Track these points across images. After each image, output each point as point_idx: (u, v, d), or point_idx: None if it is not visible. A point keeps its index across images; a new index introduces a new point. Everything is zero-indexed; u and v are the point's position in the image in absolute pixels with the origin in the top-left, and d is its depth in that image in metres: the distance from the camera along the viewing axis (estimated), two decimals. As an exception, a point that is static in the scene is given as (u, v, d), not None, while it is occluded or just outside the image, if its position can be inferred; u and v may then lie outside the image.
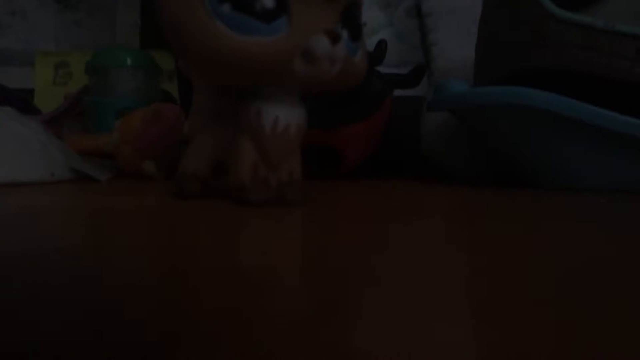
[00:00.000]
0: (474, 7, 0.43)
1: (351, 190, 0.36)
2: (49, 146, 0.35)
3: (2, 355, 0.07)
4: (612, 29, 0.35)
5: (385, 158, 0.50)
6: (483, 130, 0.41)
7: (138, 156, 0.38)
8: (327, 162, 0.44)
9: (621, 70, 0.35)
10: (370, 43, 0.42)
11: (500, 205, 0.28)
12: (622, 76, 0.35)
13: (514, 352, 0.07)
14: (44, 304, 0.09)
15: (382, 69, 0.45)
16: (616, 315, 0.09)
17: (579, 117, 0.35)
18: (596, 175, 0.37)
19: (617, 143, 0.35)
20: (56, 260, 0.13)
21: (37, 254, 0.13)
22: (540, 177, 0.39)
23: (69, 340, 0.08)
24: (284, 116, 0.24)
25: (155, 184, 0.36)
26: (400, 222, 0.21)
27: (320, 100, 0.37)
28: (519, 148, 0.39)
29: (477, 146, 0.45)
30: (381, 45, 0.43)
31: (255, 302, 0.09)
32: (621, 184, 0.37)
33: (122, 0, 0.81)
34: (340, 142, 0.43)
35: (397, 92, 0.46)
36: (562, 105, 0.35)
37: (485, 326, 0.08)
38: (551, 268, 0.13)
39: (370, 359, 0.07)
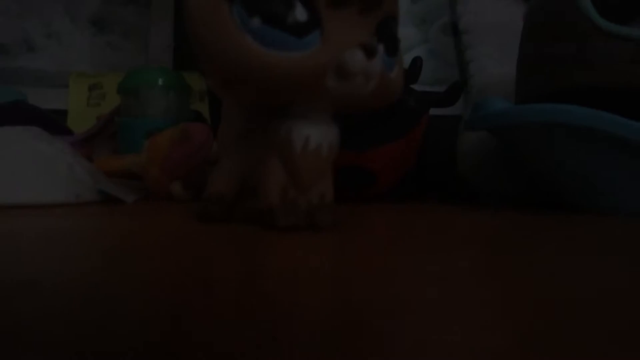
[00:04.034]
0: (513, 22, 0.41)
1: (384, 213, 0.35)
2: (75, 167, 0.34)
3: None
4: (665, 42, 0.32)
5: (420, 179, 0.49)
6: (524, 150, 0.39)
7: (165, 177, 0.37)
8: (360, 183, 0.42)
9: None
10: (404, 61, 0.41)
11: (542, 233, 0.26)
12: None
13: None
14: (60, 325, 0.09)
15: (415, 87, 0.43)
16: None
17: (627, 136, 0.32)
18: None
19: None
20: (75, 282, 0.12)
21: (55, 276, 0.13)
22: (583, 200, 0.37)
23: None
24: (315, 136, 0.22)
25: (183, 205, 0.35)
26: (433, 253, 0.19)
27: (353, 119, 0.35)
28: (561, 169, 0.36)
29: (517, 166, 0.43)
30: (416, 62, 0.42)
31: (275, 331, 0.09)
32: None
33: (156, 22, 0.82)
34: (374, 163, 0.41)
35: (433, 111, 0.44)
36: (607, 124, 0.32)
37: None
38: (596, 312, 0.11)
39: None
